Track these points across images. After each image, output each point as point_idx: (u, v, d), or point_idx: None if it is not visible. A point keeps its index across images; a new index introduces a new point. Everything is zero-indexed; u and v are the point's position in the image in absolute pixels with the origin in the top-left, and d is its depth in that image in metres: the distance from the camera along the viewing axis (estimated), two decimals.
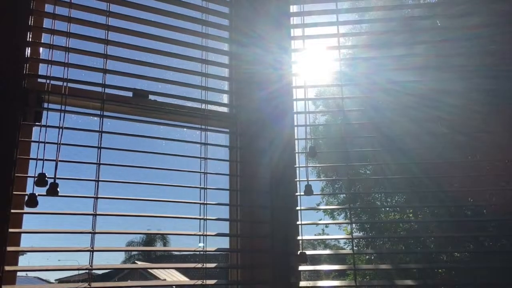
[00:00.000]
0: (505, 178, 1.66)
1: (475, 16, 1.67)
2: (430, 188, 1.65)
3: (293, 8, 1.73)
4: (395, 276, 1.64)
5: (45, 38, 1.37)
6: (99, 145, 1.32)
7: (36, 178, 1.18)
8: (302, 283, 1.44)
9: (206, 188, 1.45)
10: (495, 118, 1.56)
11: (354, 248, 1.53)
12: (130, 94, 1.46)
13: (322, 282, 1.54)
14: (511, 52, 1.60)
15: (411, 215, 3.77)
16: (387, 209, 4.25)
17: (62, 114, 1.26)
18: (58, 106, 1.27)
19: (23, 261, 1.28)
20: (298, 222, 1.50)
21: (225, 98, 1.69)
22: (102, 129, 1.33)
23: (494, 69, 1.62)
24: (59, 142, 1.23)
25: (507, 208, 1.55)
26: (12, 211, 1.17)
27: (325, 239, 3.36)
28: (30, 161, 1.25)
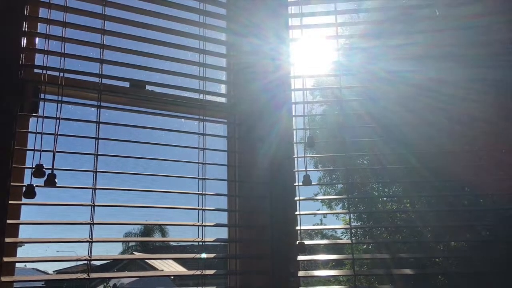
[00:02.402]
0: (502, 168, 1.66)
1: (474, 5, 1.66)
2: (428, 178, 1.65)
3: None
4: (392, 265, 1.65)
5: (41, 28, 1.36)
6: (97, 136, 1.31)
7: (33, 169, 1.17)
8: (300, 273, 1.44)
9: (205, 179, 1.45)
10: (493, 108, 1.56)
11: (352, 238, 1.54)
12: (127, 84, 1.45)
13: (321, 271, 1.55)
14: (509, 41, 1.60)
15: (408, 205, 3.78)
16: (385, 199, 4.26)
17: (59, 104, 1.25)
18: (55, 97, 1.26)
19: (22, 252, 1.28)
20: (296, 212, 1.50)
21: (223, 88, 1.68)
22: (99, 119, 1.32)
23: (492, 58, 1.61)
24: (56, 133, 1.22)
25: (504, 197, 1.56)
26: (10, 202, 1.17)
27: (324, 229, 3.38)
28: (28, 152, 1.24)
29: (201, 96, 1.53)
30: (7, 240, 1.15)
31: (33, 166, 1.17)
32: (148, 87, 1.48)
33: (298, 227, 1.49)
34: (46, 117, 1.23)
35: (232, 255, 1.53)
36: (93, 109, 1.35)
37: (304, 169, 1.50)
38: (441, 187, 1.80)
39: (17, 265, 1.23)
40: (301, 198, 1.52)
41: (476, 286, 1.54)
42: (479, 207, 2.21)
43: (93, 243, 1.24)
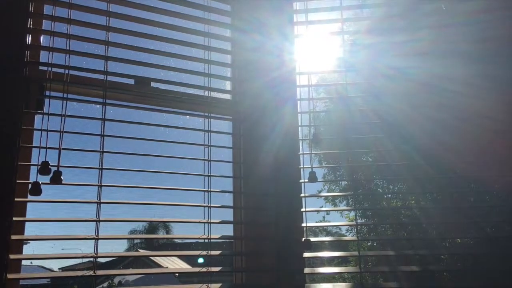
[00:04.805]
0: (507, 164, 1.65)
1: (479, 0, 1.65)
2: (432, 175, 1.64)
3: None
4: (397, 263, 1.65)
5: (45, 25, 1.35)
6: (102, 133, 1.31)
7: (39, 166, 1.17)
8: (306, 270, 1.44)
9: (210, 176, 1.45)
10: (498, 104, 1.55)
11: (358, 235, 1.53)
12: (132, 81, 1.45)
13: (327, 268, 1.55)
14: None
15: (413, 201, 3.77)
16: (389, 196, 4.25)
17: (64, 102, 1.25)
18: (60, 94, 1.26)
19: (27, 249, 1.28)
20: (302, 209, 1.50)
21: (228, 85, 1.68)
22: (104, 116, 1.32)
23: (497, 55, 1.60)
24: (61, 130, 1.22)
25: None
26: (16, 199, 1.16)
27: (330, 225, 3.37)
28: (33, 149, 1.24)
29: (206, 93, 1.53)
30: (13, 237, 1.15)
31: (39, 164, 1.17)
32: (153, 84, 1.47)
33: (303, 224, 1.49)
34: (51, 114, 1.23)
35: (238, 252, 1.52)
36: (98, 106, 1.35)
37: (309, 166, 1.50)
38: (446, 184, 1.79)
39: (23, 262, 1.23)
40: (306, 195, 1.51)
41: (480, 283, 1.54)
42: (485, 204, 2.20)
43: (99, 241, 1.24)
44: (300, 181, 1.53)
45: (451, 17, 1.67)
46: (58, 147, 1.20)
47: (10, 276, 1.13)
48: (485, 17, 1.61)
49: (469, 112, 1.56)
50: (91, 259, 1.24)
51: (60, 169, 1.19)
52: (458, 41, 1.64)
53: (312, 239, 1.45)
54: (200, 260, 1.38)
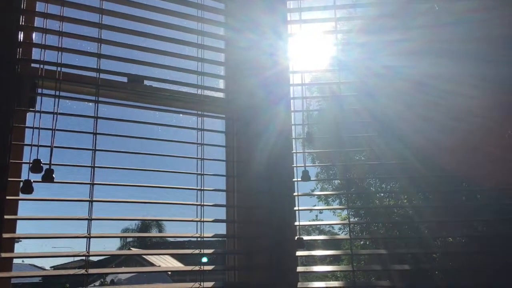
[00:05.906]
0: (499, 163, 1.66)
1: (471, 0, 1.65)
2: (425, 174, 1.64)
3: None
4: (390, 261, 1.65)
5: (38, 22, 1.34)
6: (95, 131, 1.30)
7: (31, 164, 1.16)
8: (299, 268, 1.44)
9: (203, 174, 1.45)
10: (491, 103, 1.56)
11: (350, 233, 1.54)
12: (125, 79, 1.44)
13: (320, 267, 1.55)
14: (507, 36, 1.60)
15: (405, 200, 3.78)
16: (382, 195, 4.25)
17: (57, 99, 1.24)
18: (52, 92, 1.25)
19: (19, 248, 1.27)
20: (295, 208, 1.50)
21: (221, 83, 1.68)
22: (97, 114, 1.31)
23: (490, 53, 1.61)
24: (53, 128, 1.21)
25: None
26: (8, 197, 1.16)
27: (323, 224, 3.37)
28: (25, 147, 1.23)
29: (199, 91, 1.53)
30: (5, 235, 1.14)
31: (31, 161, 1.17)
32: (146, 82, 1.47)
33: (296, 223, 1.49)
34: (43, 112, 1.22)
35: (231, 250, 1.52)
36: (90, 104, 1.34)
37: (302, 165, 1.50)
38: (438, 182, 1.80)
39: (14, 260, 1.22)
40: (299, 193, 1.52)
41: (473, 281, 1.55)
42: (476, 203, 2.21)
43: (91, 239, 1.23)
44: (293, 179, 1.53)
45: (444, 16, 1.68)
46: (50, 145, 1.19)
47: (1, 274, 1.12)
48: (478, 17, 1.61)
49: (461, 111, 1.57)
50: (83, 257, 1.23)
51: (52, 167, 1.18)
52: (451, 40, 1.64)
53: (305, 237, 1.45)
54: (204, 260, 1.37)
